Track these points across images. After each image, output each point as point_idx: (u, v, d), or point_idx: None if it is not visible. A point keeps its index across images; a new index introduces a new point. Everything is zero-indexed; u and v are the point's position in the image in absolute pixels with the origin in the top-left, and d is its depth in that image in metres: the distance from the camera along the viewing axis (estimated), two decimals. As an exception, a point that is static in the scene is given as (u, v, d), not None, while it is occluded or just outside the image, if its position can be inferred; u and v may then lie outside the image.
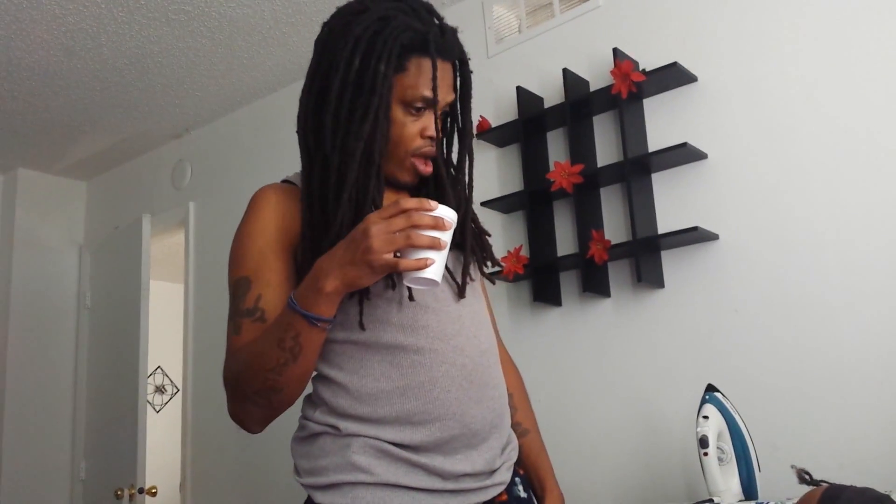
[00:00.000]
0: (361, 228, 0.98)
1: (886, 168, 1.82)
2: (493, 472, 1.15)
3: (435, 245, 0.97)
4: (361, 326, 1.11)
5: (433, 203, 0.98)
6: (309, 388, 1.18)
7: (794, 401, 1.86)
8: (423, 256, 0.97)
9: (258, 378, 1.05)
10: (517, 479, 1.22)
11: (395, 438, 1.09)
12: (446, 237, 0.99)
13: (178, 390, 5.70)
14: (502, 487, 1.16)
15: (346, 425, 1.10)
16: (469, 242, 1.20)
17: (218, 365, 1.14)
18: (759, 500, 1.64)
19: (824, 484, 1.30)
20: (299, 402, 1.19)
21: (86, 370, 3.75)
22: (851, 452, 1.76)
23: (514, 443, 1.24)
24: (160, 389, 5.92)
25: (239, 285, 1.13)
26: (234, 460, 3.12)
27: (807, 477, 1.57)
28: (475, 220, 1.25)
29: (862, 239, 1.83)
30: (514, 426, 1.28)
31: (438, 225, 0.98)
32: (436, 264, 0.98)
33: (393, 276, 1.09)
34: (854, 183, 1.86)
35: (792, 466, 1.55)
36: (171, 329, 3.96)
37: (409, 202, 0.97)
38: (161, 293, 4.29)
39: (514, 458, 1.22)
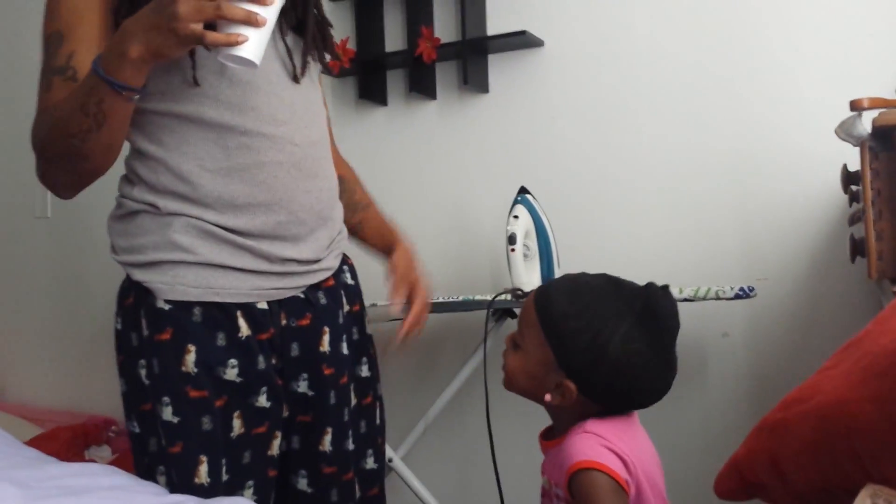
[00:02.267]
0: None
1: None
2: (319, 259, 1.16)
3: (251, 20, 0.90)
4: (195, 81, 1.03)
5: None
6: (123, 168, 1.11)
7: (595, 205, 2.03)
8: (237, 31, 0.90)
9: (62, 143, 0.99)
10: (345, 267, 1.25)
11: (219, 221, 1.06)
12: (267, 13, 0.91)
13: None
14: (329, 273, 1.18)
15: (166, 203, 1.06)
16: (311, 27, 1.13)
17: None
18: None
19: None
20: (115, 180, 1.12)
21: None
22: (638, 251, 1.98)
23: (344, 233, 1.25)
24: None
25: (51, 40, 1.03)
26: (42, 245, 2.88)
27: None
28: (318, 5, 1.19)
29: (675, 52, 1.94)
30: (356, 203, 1.34)
31: None
32: (252, 43, 0.91)
33: None
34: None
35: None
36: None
37: None
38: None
39: (343, 247, 1.24)
